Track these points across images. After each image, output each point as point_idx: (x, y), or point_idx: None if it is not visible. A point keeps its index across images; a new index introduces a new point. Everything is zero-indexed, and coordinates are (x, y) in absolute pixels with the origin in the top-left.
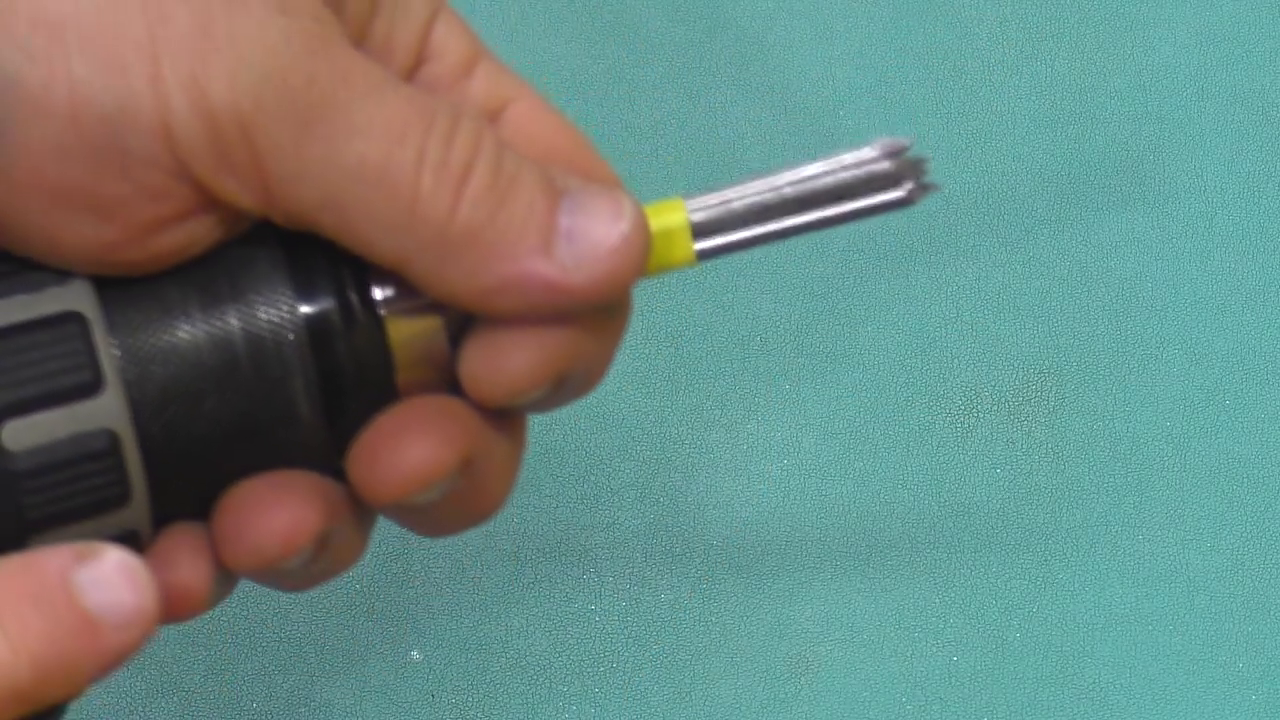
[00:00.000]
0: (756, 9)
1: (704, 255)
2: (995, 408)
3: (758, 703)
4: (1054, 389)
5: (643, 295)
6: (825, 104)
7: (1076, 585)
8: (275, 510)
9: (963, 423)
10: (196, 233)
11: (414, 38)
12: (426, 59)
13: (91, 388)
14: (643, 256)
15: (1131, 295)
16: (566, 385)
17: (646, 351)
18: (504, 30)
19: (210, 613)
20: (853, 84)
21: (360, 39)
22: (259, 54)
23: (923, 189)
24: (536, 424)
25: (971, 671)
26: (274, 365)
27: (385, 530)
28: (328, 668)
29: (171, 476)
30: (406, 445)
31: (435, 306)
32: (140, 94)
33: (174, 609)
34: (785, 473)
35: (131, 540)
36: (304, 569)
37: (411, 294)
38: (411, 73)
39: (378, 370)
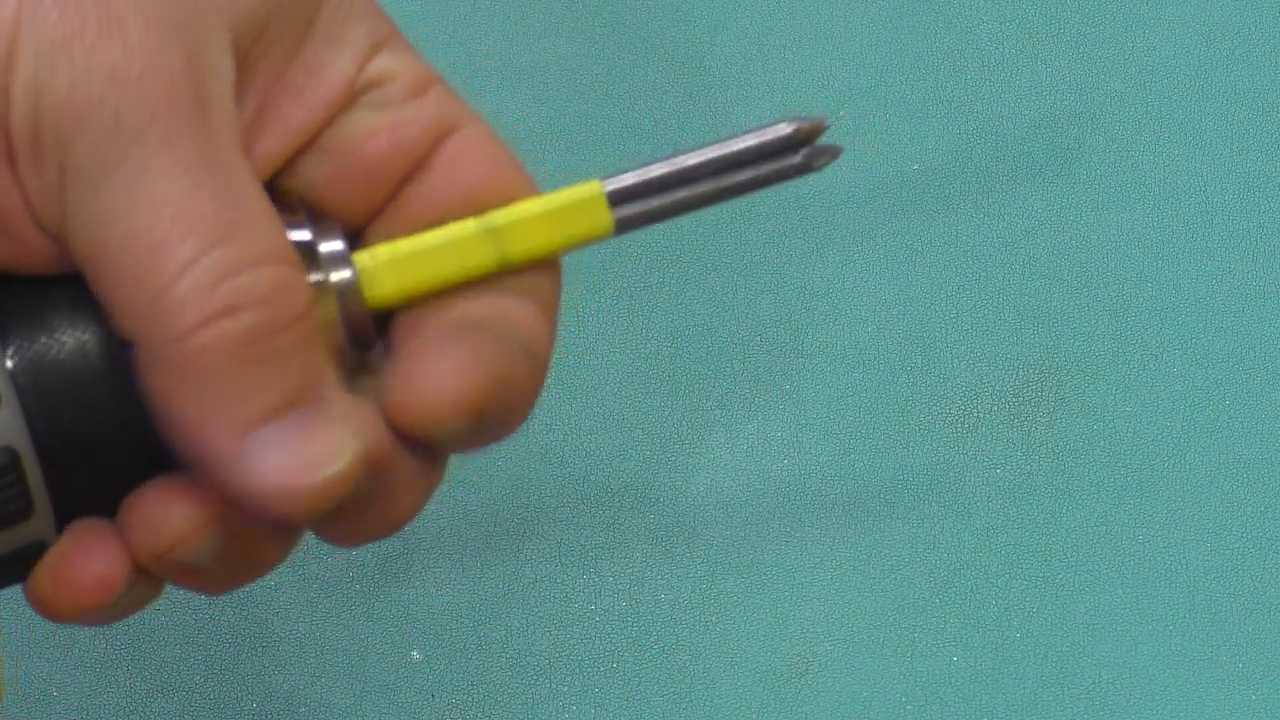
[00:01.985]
0: (756, 9)
1: (622, 225)
2: (995, 408)
3: (758, 703)
4: (1054, 389)
5: (643, 295)
6: (825, 104)
7: (1076, 585)
8: (181, 499)
9: (963, 423)
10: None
11: (350, 65)
12: (374, 85)
13: None
14: (320, 510)
15: (1131, 295)
16: (486, 421)
17: (646, 351)
18: (504, 30)
19: (210, 613)
20: (853, 84)
21: (287, 61)
22: (104, 81)
23: (820, 154)
24: (537, 424)
25: (971, 671)
26: None
27: None
28: (328, 668)
29: (73, 485)
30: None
31: (332, 299)
32: None
33: (88, 595)
34: (785, 473)
35: (38, 551)
36: (216, 563)
37: None
38: (345, 101)
39: None
